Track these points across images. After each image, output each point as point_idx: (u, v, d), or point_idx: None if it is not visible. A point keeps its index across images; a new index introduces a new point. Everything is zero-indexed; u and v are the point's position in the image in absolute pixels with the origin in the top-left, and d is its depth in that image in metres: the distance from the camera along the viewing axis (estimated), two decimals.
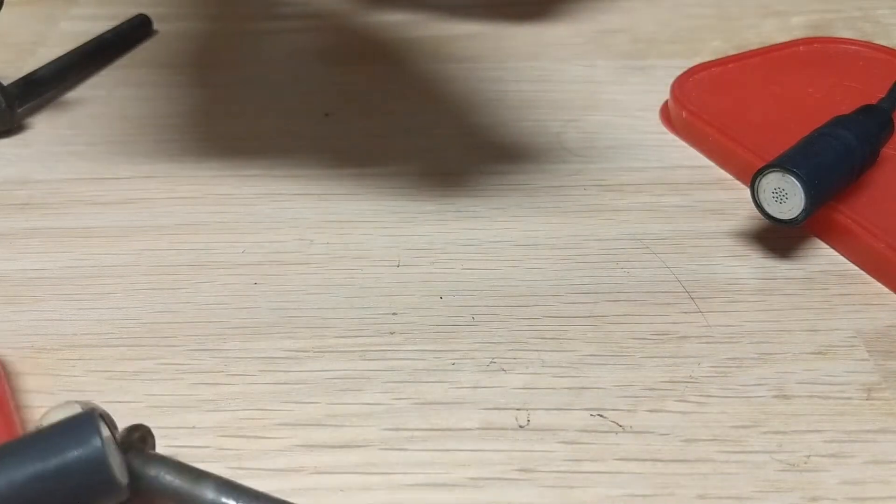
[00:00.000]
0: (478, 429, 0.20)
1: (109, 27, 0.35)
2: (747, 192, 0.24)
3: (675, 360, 0.22)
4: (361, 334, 0.23)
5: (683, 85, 0.30)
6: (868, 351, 0.22)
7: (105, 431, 0.17)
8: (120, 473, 0.17)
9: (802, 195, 0.23)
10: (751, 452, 0.20)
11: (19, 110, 0.31)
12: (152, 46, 0.36)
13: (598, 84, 0.32)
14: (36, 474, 0.16)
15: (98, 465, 0.17)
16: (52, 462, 0.16)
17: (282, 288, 0.24)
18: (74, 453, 0.17)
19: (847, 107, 0.26)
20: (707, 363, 0.22)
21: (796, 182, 0.23)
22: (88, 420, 0.17)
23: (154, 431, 0.19)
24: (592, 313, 0.23)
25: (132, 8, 0.38)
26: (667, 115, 0.31)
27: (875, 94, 0.27)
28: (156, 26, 0.37)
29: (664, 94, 0.31)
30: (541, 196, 0.27)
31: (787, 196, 0.23)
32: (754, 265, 0.25)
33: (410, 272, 0.24)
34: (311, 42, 0.36)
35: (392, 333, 0.23)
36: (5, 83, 0.30)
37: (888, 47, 0.32)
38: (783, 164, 0.23)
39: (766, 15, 0.37)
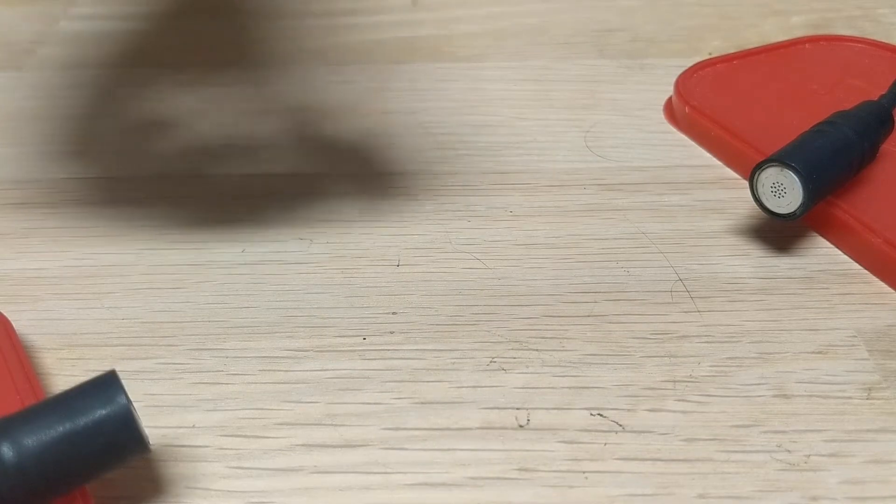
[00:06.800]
0: (478, 428, 0.20)
1: (109, 27, 0.35)
2: (747, 190, 0.24)
3: (674, 360, 0.22)
4: (361, 334, 0.23)
5: (687, 81, 0.30)
6: (868, 350, 0.22)
7: None
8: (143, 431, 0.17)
9: (801, 190, 0.23)
10: (751, 452, 0.19)
11: None
12: (152, 46, 0.35)
13: (598, 83, 0.32)
14: (66, 434, 0.17)
15: (125, 423, 0.17)
16: (81, 421, 0.17)
17: (282, 288, 0.24)
18: (102, 412, 0.17)
19: (851, 104, 0.26)
20: (707, 363, 0.22)
21: (794, 177, 0.23)
22: (112, 380, 0.17)
23: (154, 431, 0.19)
24: (592, 313, 0.23)
25: (132, 7, 0.38)
26: (670, 111, 0.31)
27: (880, 92, 0.27)
28: (152, 24, 0.37)
29: (664, 94, 0.31)
30: (541, 195, 0.27)
31: (785, 190, 0.23)
32: (755, 264, 0.24)
33: (410, 272, 0.24)
34: (311, 41, 0.36)
35: (392, 333, 0.23)
36: (4, 81, 0.30)
37: (894, 45, 0.32)
38: (781, 158, 0.23)
39: (766, 14, 0.37)
